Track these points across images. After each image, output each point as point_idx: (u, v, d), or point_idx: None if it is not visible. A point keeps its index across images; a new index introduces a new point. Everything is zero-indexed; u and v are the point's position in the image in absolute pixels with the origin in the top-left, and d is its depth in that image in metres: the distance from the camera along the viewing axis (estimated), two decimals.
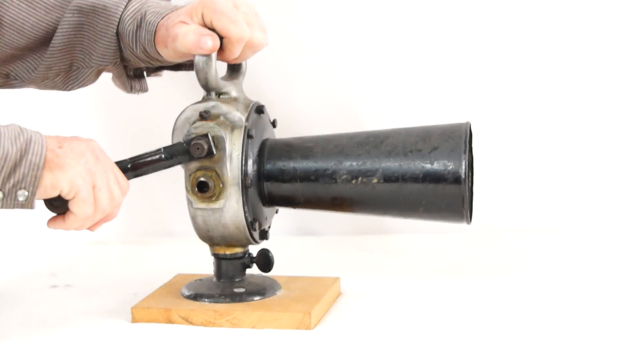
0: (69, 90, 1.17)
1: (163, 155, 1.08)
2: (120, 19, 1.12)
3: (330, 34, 1.51)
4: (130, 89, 1.16)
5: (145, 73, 1.18)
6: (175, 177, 1.21)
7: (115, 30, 1.12)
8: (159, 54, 1.11)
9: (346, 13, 1.50)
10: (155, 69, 1.19)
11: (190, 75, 1.12)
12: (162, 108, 1.28)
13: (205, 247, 1.15)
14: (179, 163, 1.09)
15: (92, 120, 1.56)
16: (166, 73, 1.21)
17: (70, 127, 1.44)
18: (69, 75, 1.16)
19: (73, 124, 1.53)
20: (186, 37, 1.06)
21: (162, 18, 1.10)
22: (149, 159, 1.08)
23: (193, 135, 1.08)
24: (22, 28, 1.13)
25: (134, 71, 1.16)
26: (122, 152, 1.14)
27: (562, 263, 1.33)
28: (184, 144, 1.08)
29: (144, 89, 1.18)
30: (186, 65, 1.16)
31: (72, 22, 1.13)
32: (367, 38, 1.51)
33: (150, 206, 1.56)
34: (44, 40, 1.14)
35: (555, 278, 1.25)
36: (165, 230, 1.55)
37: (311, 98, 1.52)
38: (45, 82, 1.16)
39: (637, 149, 1.50)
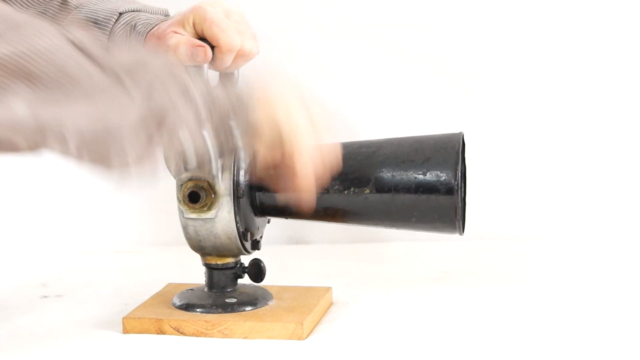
0: None
1: None
2: (110, 32, 1.11)
3: (322, 43, 1.51)
4: None
5: None
6: (166, 187, 1.20)
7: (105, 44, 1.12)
8: None
9: (338, 21, 1.50)
10: None
11: None
12: None
13: (196, 256, 1.14)
14: None
15: None
16: None
17: None
18: None
19: None
20: (178, 48, 1.06)
21: (152, 28, 1.10)
22: None
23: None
24: None
25: None
26: None
27: (554, 271, 1.33)
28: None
29: None
30: None
31: None
32: (359, 46, 1.50)
33: (141, 216, 1.56)
34: None
35: (547, 286, 1.25)
36: (156, 239, 1.55)
37: None
38: None
39: (628, 158, 1.50)
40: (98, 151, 0.85)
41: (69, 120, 0.83)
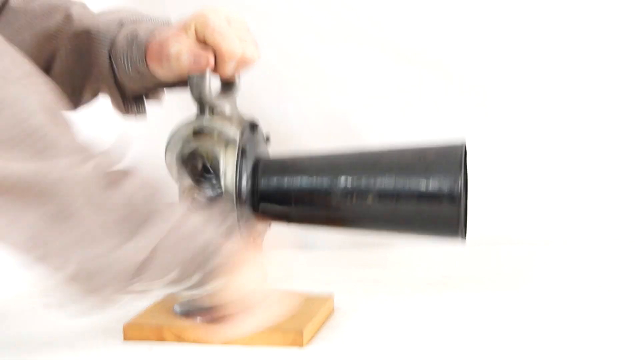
0: (76, 110, 1.17)
1: None
2: (113, 41, 1.11)
3: (323, 47, 1.51)
4: (127, 111, 1.16)
5: (145, 98, 1.18)
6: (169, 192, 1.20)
7: (107, 54, 1.11)
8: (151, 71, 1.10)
9: (339, 26, 1.50)
10: (154, 90, 1.17)
11: (184, 91, 1.12)
12: (156, 124, 1.27)
13: None
14: None
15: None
16: None
17: None
18: (73, 97, 1.15)
19: None
20: (181, 56, 1.06)
21: (154, 36, 1.09)
22: None
23: (187, 155, 1.08)
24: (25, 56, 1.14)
25: (134, 96, 1.16)
26: None
27: (554, 275, 1.33)
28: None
29: (141, 112, 1.17)
30: (181, 83, 1.16)
31: (69, 48, 1.13)
32: (361, 50, 1.50)
33: None
34: (47, 67, 1.14)
35: (548, 290, 1.25)
36: None
37: (305, 112, 1.52)
38: None
39: (629, 162, 1.50)
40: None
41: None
